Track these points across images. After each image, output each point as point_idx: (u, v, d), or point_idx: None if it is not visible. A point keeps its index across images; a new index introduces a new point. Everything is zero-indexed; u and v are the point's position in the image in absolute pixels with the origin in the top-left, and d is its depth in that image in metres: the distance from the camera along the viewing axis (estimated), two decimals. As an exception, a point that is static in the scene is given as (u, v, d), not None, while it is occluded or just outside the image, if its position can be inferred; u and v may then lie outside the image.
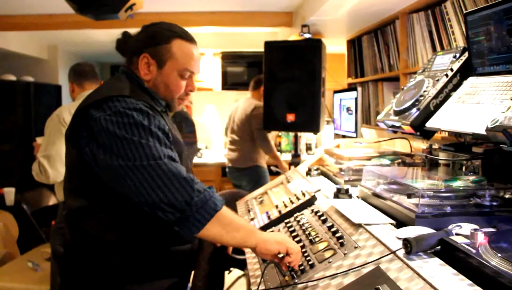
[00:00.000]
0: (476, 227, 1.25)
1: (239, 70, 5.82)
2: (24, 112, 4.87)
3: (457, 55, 1.90)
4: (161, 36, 1.51)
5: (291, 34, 4.40)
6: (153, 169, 1.28)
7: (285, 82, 3.51)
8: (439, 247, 1.17)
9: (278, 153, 5.75)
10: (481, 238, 1.12)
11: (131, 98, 1.39)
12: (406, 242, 1.15)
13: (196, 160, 5.63)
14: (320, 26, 3.81)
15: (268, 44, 3.62)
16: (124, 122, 1.32)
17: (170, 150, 1.37)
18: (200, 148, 5.64)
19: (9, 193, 4.29)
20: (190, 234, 1.31)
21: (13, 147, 4.71)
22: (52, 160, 2.65)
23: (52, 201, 4.23)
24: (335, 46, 4.47)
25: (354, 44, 3.98)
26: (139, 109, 1.36)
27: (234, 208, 2.44)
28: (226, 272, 2.17)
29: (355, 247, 1.32)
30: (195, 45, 1.58)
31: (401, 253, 1.16)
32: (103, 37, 5.34)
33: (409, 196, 1.45)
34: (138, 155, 1.28)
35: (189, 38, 1.56)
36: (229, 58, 5.79)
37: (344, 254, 1.32)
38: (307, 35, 3.69)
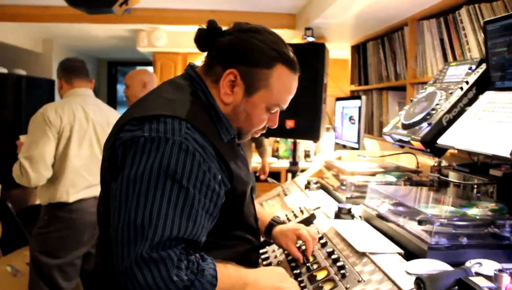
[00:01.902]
0: (498, 265, 1.10)
1: (239, 72, 5.66)
2: (14, 107, 4.72)
3: (473, 67, 1.76)
4: (262, 55, 1.20)
5: (294, 37, 4.28)
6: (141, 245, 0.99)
7: (285, 87, 3.38)
8: (456, 288, 1.02)
9: (275, 159, 5.66)
10: (507, 281, 0.97)
11: (184, 123, 1.10)
12: (419, 282, 1.00)
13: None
14: (324, 29, 3.68)
15: (269, 47, 3.50)
16: (155, 156, 1.05)
17: (192, 223, 1.05)
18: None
19: (-6, 190, 4.15)
20: None
21: (0, 143, 4.55)
22: (34, 162, 2.49)
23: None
24: (339, 51, 4.34)
25: (359, 50, 3.86)
26: (185, 148, 1.07)
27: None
28: None
29: (359, 281, 1.17)
30: (298, 74, 1.29)
31: (412, 293, 1.02)
32: (100, 32, 5.21)
33: (420, 223, 1.30)
34: (138, 216, 1.01)
35: (294, 66, 1.26)
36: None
37: (346, 288, 1.16)
38: (311, 39, 3.56)
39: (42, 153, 2.51)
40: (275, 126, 1.34)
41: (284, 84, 1.24)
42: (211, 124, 1.20)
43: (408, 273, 1.13)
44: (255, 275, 1.20)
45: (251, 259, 1.37)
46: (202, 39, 1.25)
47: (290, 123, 3.40)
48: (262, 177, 4.58)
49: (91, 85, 2.92)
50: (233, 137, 1.29)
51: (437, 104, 1.75)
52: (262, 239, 1.73)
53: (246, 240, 1.34)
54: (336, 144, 3.56)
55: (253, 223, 1.40)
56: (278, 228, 1.52)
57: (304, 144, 5.62)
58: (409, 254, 1.27)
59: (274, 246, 1.66)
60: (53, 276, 2.62)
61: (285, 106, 1.29)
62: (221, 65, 1.21)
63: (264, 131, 1.34)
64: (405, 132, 1.80)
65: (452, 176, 1.74)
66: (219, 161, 1.16)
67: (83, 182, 2.65)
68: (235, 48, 1.21)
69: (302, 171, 3.01)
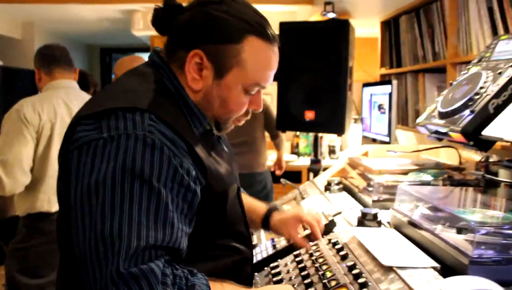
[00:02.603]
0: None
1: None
2: (-10, 102, 4.76)
3: (529, 40, 1.70)
4: (228, 28, 1.17)
5: (312, 14, 4.24)
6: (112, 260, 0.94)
7: (303, 72, 3.36)
8: (505, 313, 0.96)
9: (294, 157, 5.62)
10: None
11: (147, 115, 1.08)
12: (457, 304, 0.95)
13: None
14: (347, 3, 3.65)
15: (283, 26, 3.47)
16: (115, 157, 1.01)
17: (169, 228, 1.02)
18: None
19: (-31, 199, 4.18)
20: None
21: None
22: (9, 167, 2.49)
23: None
24: (366, 29, 4.30)
25: (390, 27, 3.80)
26: (150, 142, 1.03)
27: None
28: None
29: (384, 302, 1.12)
30: (276, 45, 1.26)
31: (449, 318, 0.96)
32: (89, 13, 5.21)
33: (460, 231, 1.25)
34: (97, 224, 0.97)
35: (268, 36, 1.22)
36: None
37: (369, 311, 1.12)
38: (332, 15, 3.53)
39: (18, 156, 2.50)
40: (260, 110, 1.32)
41: (260, 58, 1.21)
42: (181, 116, 1.18)
43: (444, 293, 1.08)
44: None
45: (242, 273, 1.35)
46: (160, 21, 1.24)
47: (309, 115, 3.38)
48: (278, 172, 4.57)
49: (75, 75, 2.92)
50: (209, 129, 1.27)
51: (481, 88, 1.68)
52: (272, 250, 1.71)
53: (233, 249, 1.32)
54: (364, 137, 3.50)
55: (242, 230, 1.38)
56: (276, 217, 1.55)
57: (328, 139, 5.58)
58: (447, 269, 1.22)
59: (287, 260, 1.62)
60: (34, 299, 2.62)
61: (266, 85, 1.26)
62: (184, 48, 1.19)
63: (248, 117, 1.33)
64: (442, 122, 1.74)
65: (503, 174, 1.68)
66: (192, 156, 1.13)
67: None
68: (196, 25, 1.18)
69: (325, 169, 2.97)
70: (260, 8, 4.26)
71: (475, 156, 2.24)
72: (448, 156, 2.35)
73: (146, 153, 1.03)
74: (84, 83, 3.68)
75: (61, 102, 2.69)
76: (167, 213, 1.02)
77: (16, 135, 2.53)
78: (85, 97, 2.85)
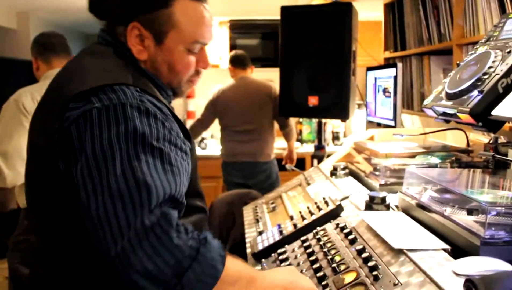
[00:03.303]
0: None
1: (252, 43, 5.61)
2: (-14, 94, 4.74)
3: (538, 18, 1.69)
4: None
5: (314, -2, 4.22)
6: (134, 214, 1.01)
7: (306, 57, 3.37)
8: (519, 292, 0.96)
9: (298, 143, 5.62)
10: None
11: (133, 88, 1.15)
12: (471, 285, 0.95)
13: (199, 151, 5.50)
14: (350, -15, 3.61)
15: (285, 10, 3.47)
16: (116, 124, 1.07)
17: (177, 179, 1.11)
18: (205, 137, 5.50)
19: (-32, 192, 4.18)
20: None
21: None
22: (9, 158, 2.49)
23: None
24: (369, 12, 4.27)
25: (394, 9, 3.77)
26: (144, 110, 1.11)
27: (241, 213, 2.29)
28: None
29: (395, 284, 1.12)
30: (206, 3, 1.34)
31: (462, 298, 0.97)
32: (84, 2, 5.17)
33: (470, 212, 1.25)
34: (121, 180, 1.03)
35: None
36: (239, 28, 5.59)
37: (380, 294, 1.12)
38: (334, -3, 3.50)
39: (18, 146, 2.50)
40: (208, 67, 1.40)
41: (192, 17, 1.29)
42: (151, 85, 1.26)
43: (456, 273, 1.08)
44: (264, 273, 1.23)
45: (203, 229, 1.40)
46: (96, 5, 1.32)
47: (313, 100, 3.38)
48: (288, 166, 4.57)
49: (73, 63, 2.90)
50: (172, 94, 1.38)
51: (490, 67, 1.67)
52: (279, 236, 1.71)
53: (198, 208, 1.43)
54: (369, 122, 3.50)
55: (200, 190, 1.48)
56: None
57: (331, 125, 5.58)
58: (457, 250, 1.22)
59: (294, 245, 1.63)
60: (37, 290, 2.62)
61: (206, 41, 1.35)
62: (122, 24, 1.27)
63: (199, 76, 1.41)
64: (450, 103, 1.74)
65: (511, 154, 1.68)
66: (176, 121, 1.23)
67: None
68: (127, 0, 1.27)
69: (329, 156, 2.97)
70: (261, -8, 4.21)
71: (482, 138, 2.24)
72: (455, 139, 2.35)
73: (143, 119, 1.10)
74: None
75: None
76: (173, 167, 1.11)
77: (15, 125, 2.53)
78: None
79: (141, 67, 1.29)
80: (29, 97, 2.58)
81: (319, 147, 3.83)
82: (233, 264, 1.11)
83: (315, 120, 5.42)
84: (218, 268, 1.05)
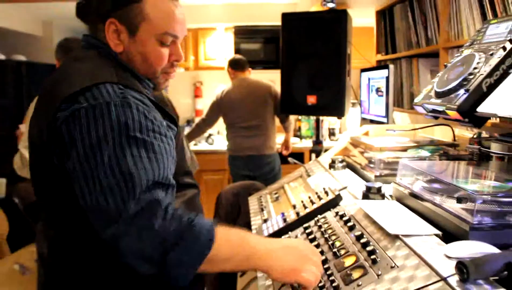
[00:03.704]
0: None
1: (254, 47, 5.57)
2: (15, 95, 4.73)
3: (517, 23, 1.67)
4: None
5: (312, 5, 4.18)
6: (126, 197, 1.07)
7: (305, 60, 3.33)
8: (506, 273, 0.95)
9: (296, 139, 5.60)
10: None
11: (115, 85, 1.16)
12: (462, 266, 0.94)
13: (206, 147, 5.49)
14: (345, -6, 3.59)
15: (286, 16, 3.44)
16: (102, 121, 1.10)
17: (161, 166, 1.14)
18: (212, 133, 5.48)
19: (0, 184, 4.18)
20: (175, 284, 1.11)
21: (3, 133, 4.56)
22: None
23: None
24: (362, 18, 4.24)
25: (385, 15, 3.75)
26: (127, 105, 1.13)
27: (246, 203, 2.28)
28: (239, 274, 2.02)
29: (392, 267, 1.11)
30: (176, 1, 1.34)
31: (453, 280, 0.96)
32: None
33: (460, 200, 1.24)
34: (108, 173, 1.07)
35: None
36: (242, 33, 5.54)
37: (378, 275, 1.11)
38: (331, 5, 3.49)
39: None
40: (181, 59, 1.38)
41: (161, 10, 1.28)
42: (135, 81, 1.27)
43: (447, 256, 1.07)
44: (266, 246, 1.20)
45: (198, 203, 1.49)
46: (81, 10, 1.33)
47: (311, 99, 3.35)
48: (285, 152, 4.58)
49: (92, 66, 2.90)
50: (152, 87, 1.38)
51: (475, 68, 1.66)
52: (282, 223, 1.70)
53: (189, 185, 1.44)
54: (363, 119, 3.48)
55: (189, 168, 1.51)
56: None
57: (328, 122, 5.55)
58: (448, 235, 1.21)
59: (297, 232, 1.62)
60: (62, 273, 2.62)
61: (179, 36, 1.34)
62: (102, 22, 1.27)
63: (174, 69, 1.40)
64: (439, 101, 1.73)
65: (495, 148, 1.67)
66: (159, 110, 1.24)
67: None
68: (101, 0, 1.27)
69: (326, 150, 2.96)
70: (263, 0, 4.26)
71: (466, 133, 2.22)
72: (442, 134, 2.34)
73: (126, 113, 1.12)
74: None
75: None
76: (157, 156, 1.13)
77: None
78: None
79: (123, 63, 1.29)
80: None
81: (317, 142, 3.80)
82: (228, 241, 1.14)
83: (313, 118, 5.41)
84: (203, 251, 1.08)
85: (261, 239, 1.28)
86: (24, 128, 2.64)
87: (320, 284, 1.19)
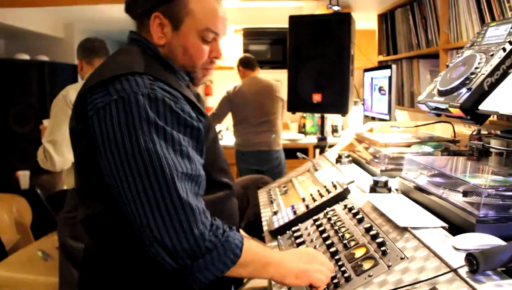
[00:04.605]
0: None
1: (262, 48, 5.53)
2: (39, 93, 4.71)
3: (516, 25, 1.63)
4: None
5: (318, 8, 4.14)
6: (158, 193, 1.03)
7: (311, 60, 3.28)
8: (514, 264, 0.93)
9: (301, 135, 5.57)
10: None
11: (145, 76, 1.12)
12: (472, 258, 0.91)
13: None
14: (349, -2, 3.55)
15: (293, 19, 3.39)
16: (131, 113, 1.06)
17: (187, 159, 1.10)
18: (221, 129, 5.45)
19: (24, 176, 4.18)
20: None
21: (28, 129, 4.54)
22: (58, 146, 2.46)
23: (67, 185, 4.10)
24: (364, 22, 4.19)
25: (386, 18, 3.70)
26: (154, 97, 1.08)
27: (255, 196, 2.25)
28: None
29: (402, 258, 1.08)
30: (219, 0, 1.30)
31: (463, 271, 0.93)
32: (121, 13, 5.10)
33: (465, 194, 1.21)
34: (141, 169, 1.03)
35: None
36: (251, 35, 5.50)
37: (388, 266, 1.08)
38: (336, 8, 3.43)
39: (66, 135, 2.44)
40: (221, 57, 1.34)
41: (206, 8, 1.25)
42: (169, 74, 1.22)
43: (455, 248, 1.04)
44: (281, 256, 1.18)
45: (231, 205, 1.40)
46: (130, 6, 1.29)
47: (317, 97, 3.31)
48: (300, 154, 4.54)
49: (112, 65, 2.87)
50: (189, 80, 1.33)
51: (476, 68, 1.63)
52: (293, 216, 1.67)
53: (223, 184, 1.37)
54: (365, 116, 3.44)
55: (226, 167, 1.43)
56: None
57: (331, 119, 5.51)
58: (454, 228, 1.18)
59: (307, 224, 1.59)
60: (83, 260, 2.61)
61: (221, 33, 1.30)
62: (147, 17, 1.23)
63: (213, 66, 1.35)
64: (442, 99, 1.69)
65: (495, 144, 1.63)
66: (188, 103, 1.18)
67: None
68: None
69: (331, 146, 2.93)
70: (271, 3, 4.20)
71: (466, 130, 2.19)
72: (442, 130, 2.31)
73: (152, 106, 1.08)
74: None
75: None
76: (182, 148, 1.09)
77: (64, 117, 2.49)
78: None
79: (160, 55, 1.26)
80: (75, 93, 2.52)
81: (322, 138, 3.76)
82: (248, 249, 1.11)
83: (317, 115, 5.36)
84: (228, 264, 1.06)
85: (273, 250, 1.27)
86: (47, 123, 2.62)
87: (331, 275, 1.17)
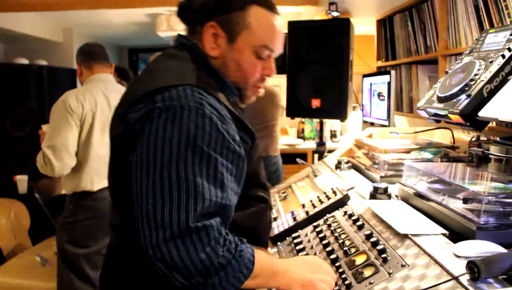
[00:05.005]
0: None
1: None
2: (37, 97, 4.73)
3: (516, 32, 1.64)
4: (233, 0, 1.19)
5: (317, 14, 4.15)
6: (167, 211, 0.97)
7: (310, 65, 3.28)
8: (515, 272, 0.93)
9: (300, 140, 5.57)
10: None
11: (196, 89, 1.07)
12: (473, 266, 0.91)
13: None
14: (348, 3, 3.56)
15: (292, 24, 3.39)
16: (172, 126, 1.01)
17: (220, 186, 1.03)
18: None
19: (22, 181, 4.17)
20: None
21: (26, 133, 4.55)
22: (57, 151, 2.46)
23: (66, 189, 4.10)
24: (363, 27, 4.20)
25: (385, 24, 3.71)
26: (201, 113, 1.02)
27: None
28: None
29: (402, 266, 1.08)
30: (278, 16, 1.25)
31: (464, 278, 0.93)
32: (119, 18, 5.14)
33: (466, 201, 1.21)
34: (165, 186, 0.98)
35: (270, 7, 1.22)
36: (250, 40, 5.51)
37: (389, 274, 1.08)
38: (335, 14, 3.44)
39: (65, 141, 2.47)
40: (273, 75, 1.29)
41: (264, 24, 1.21)
42: (218, 87, 1.18)
43: (456, 255, 1.04)
44: (287, 265, 1.16)
45: (266, 218, 1.35)
46: (183, 10, 1.25)
47: (316, 103, 3.31)
48: (299, 160, 4.54)
49: (111, 70, 2.88)
50: (237, 95, 1.27)
51: (475, 74, 1.63)
52: (292, 222, 1.67)
53: (260, 198, 1.32)
54: (364, 122, 3.45)
55: (264, 181, 1.38)
56: None
57: (330, 124, 5.50)
58: (455, 235, 1.18)
59: (307, 230, 1.59)
60: (81, 266, 2.60)
61: (276, 51, 1.25)
62: (201, 24, 1.20)
63: (263, 85, 1.30)
64: (441, 105, 1.70)
65: (495, 150, 1.63)
66: (235, 121, 1.14)
67: (107, 170, 2.61)
68: (207, 3, 1.20)
69: (329, 152, 2.93)
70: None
71: (465, 136, 2.19)
72: (441, 137, 2.31)
73: (198, 122, 1.02)
74: (125, 77, 3.89)
75: (101, 93, 2.65)
76: (217, 174, 1.03)
77: (63, 122, 2.50)
78: (121, 89, 2.80)
79: (212, 66, 1.20)
80: (75, 99, 2.55)
81: (320, 143, 3.76)
82: (258, 260, 1.07)
83: (315, 120, 5.36)
84: (241, 279, 1.03)
85: (279, 259, 1.24)
86: (46, 128, 2.61)
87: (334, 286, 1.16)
